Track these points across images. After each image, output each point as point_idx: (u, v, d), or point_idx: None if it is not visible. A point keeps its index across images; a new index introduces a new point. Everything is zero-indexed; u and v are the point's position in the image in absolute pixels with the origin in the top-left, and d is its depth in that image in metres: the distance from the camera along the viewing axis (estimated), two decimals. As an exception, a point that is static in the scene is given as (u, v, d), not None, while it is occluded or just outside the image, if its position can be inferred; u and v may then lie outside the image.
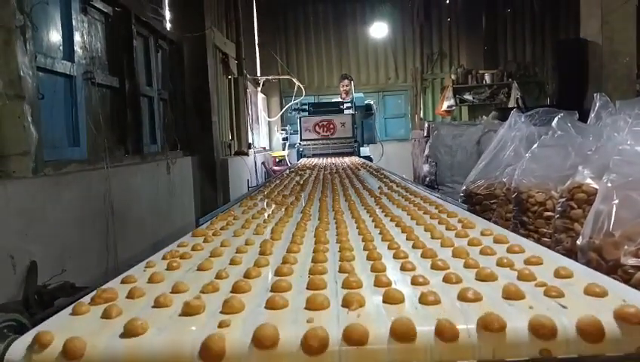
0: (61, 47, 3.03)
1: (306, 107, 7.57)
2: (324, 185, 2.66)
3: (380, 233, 1.20)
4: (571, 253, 1.30)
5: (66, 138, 3.03)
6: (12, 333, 0.67)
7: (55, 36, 2.97)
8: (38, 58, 2.64)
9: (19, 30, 2.36)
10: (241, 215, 1.68)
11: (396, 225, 1.32)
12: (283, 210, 1.72)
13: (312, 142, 7.64)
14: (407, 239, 1.14)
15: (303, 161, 6.32)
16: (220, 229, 1.42)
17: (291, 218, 1.53)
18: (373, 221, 1.37)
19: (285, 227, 1.37)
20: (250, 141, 8.04)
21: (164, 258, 1.14)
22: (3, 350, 0.62)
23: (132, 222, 3.45)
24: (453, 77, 10.00)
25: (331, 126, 7.58)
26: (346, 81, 8.12)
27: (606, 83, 4.56)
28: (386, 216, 1.46)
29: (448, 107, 9.87)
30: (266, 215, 1.65)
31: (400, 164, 8.55)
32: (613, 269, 1.06)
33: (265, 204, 2.01)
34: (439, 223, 1.29)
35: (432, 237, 1.13)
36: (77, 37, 3.17)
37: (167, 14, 5.14)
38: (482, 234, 1.13)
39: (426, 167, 3.82)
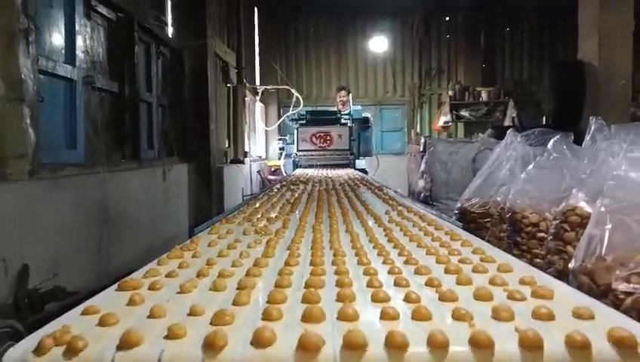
0: (63, 51, 3.04)
1: (304, 117, 7.60)
2: (318, 205, 2.31)
3: (409, 306, 0.80)
4: (563, 275, 1.31)
5: (64, 141, 3.03)
6: (7, 340, 0.67)
7: (58, 39, 2.99)
8: (40, 61, 2.65)
9: (22, 33, 2.37)
10: (204, 249, 1.30)
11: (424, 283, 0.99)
12: (263, 243, 1.34)
13: (309, 152, 7.65)
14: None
15: (298, 172, 6.31)
16: (165, 277, 1.04)
17: (271, 259, 1.16)
18: (390, 274, 1.00)
19: (260, 278, 1.01)
20: (246, 149, 8.05)
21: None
22: (-1, 356, 0.62)
23: (126, 227, 3.44)
24: (450, 93, 10.09)
25: (328, 137, 7.60)
26: (343, 92, 8.15)
27: (602, 105, 4.61)
28: (405, 263, 1.10)
29: (445, 123, 9.94)
30: (237, 252, 1.24)
31: (395, 177, 8.58)
32: (604, 294, 1.07)
33: (242, 231, 1.60)
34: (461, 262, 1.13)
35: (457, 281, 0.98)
36: (79, 41, 3.18)
37: (170, 21, 5.17)
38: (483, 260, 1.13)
39: (421, 183, 3.84)
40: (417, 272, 1.02)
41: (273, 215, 2.02)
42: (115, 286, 0.96)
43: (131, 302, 0.85)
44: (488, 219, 2.13)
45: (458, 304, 0.81)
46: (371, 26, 10.85)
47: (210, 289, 0.94)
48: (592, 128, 1.82)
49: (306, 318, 0.75)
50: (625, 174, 1.26)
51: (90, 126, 3.27)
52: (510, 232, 1.85)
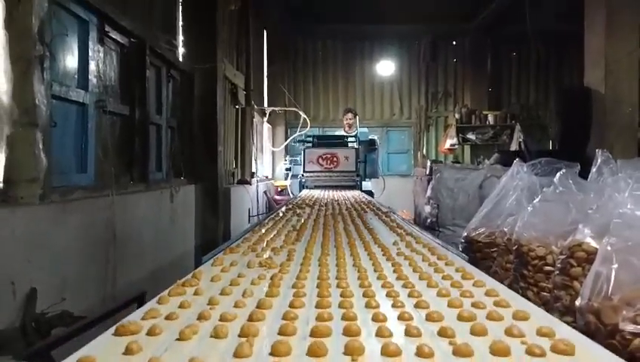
0: (76, 76, 3.11)
1: (311, 139, 7.65)
2: (324, 234, 2.29)
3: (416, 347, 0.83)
4: (569, 310, 1.31)
5: (74, 164, 3.07)
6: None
7: (71, 65, 3.05)
8: (54, 86, 2.70)
9: (37, 60, 2.43)
10: (207, 285, 1.29)
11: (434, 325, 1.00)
12: (268, 279, 1.33)
13: (315, 173, 7.69)
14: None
15: (304, 193, 6.33)
16: (165, 319, 1.02)
17: (275, 299, 1.14)
18: (400, 320, 0.99)
19: (263, 322, 0.99)
20: (253, 170, 8.10)
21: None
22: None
23: (133, 249, 3.45)
24: (457, 116, 10.14)
25: (335, 159, 7.64)
26: (350, 115, 8.22)
27: (608, 132, 4.62)
28: (416, 306, 1.08)
29: (451, 145, 9.97)
30: (241, 290, 1.22)
31: (401, 199, 8.59)
32: (611, 334, 1.07)
33: (246, 263, 1.59)
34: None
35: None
36: (92, 66, 3.25)
37: (180, 44, 5.26)
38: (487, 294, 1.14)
39: (427, 208, 3.85)
40: (429, 319, 0.98)
41: (278, 245, 2.01)
42: (113, 329, 0.92)
43: (128, 351, 0.82)
44: (495, 249, 2.13)
45: (473, 360, 0.79)
46: (379, 50, 10.98)
47: (211, 336, 0.90)
48: (599, 161, 1.84)
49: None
50: (631, 213, 1.27)
51: (100, 149, 3.32)
52: (517, 264, 1.85)
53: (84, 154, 3.13)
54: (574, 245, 1.49)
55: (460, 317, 0.98)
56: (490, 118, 10.03)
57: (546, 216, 1.81)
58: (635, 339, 1.04)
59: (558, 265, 1.53)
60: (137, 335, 0.91)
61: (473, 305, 1.07)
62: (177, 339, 0.89)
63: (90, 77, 3.22)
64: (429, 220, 3.66)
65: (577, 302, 1.24)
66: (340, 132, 8.35)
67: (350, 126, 8.15)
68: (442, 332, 0.89)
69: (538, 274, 1.71)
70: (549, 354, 0.79)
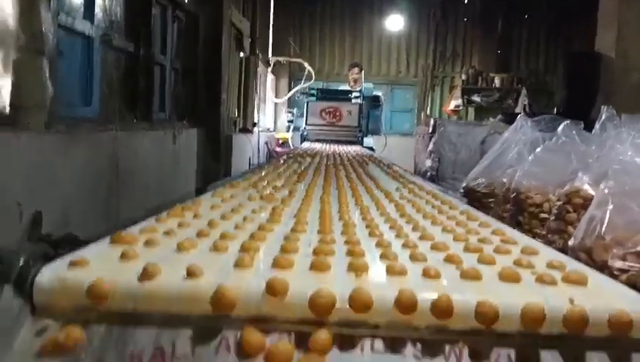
0: (82, 8, 3.06)
1: (314, 92, 7.59)
2: (326, 179, 2.23)
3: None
4: (562, 252, 1.36)
5: (79, 97, 3.07)
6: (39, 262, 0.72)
7: (77, -4, 3.00)
8: (60, 16, 2.67)
9: (44, -14, 2.39)
10: (206, 211, 1.24)
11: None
12: (269, 210, 1.27)
13: (317, 127, 7.66)
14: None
15: (305, 145, 6.33)
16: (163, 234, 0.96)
17: (277, 225, 1.10)
18: (405, 247, 0.95)
19: (264, 242, 0.94)
20: (255, 120, 8.07)
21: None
22: (33, 275, 0.67)
23: (136, 185, 3.50)
24: (463, 77, 10.02)
25: (338, 113, 7.60)
26: (356, 70, 8.10)
27: (616, 97, 4.59)
28: (421, 238, 1.04)
29: (456, 106, 9.91)
30: (241, 216, 1.18)
31: (402, 157, 8.59)
32: (600, 270, 1.11)
33: (246, 197, 1.53)
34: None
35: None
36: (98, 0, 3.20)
37: (187, -15, 5.14)
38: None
39: (428, 162, 3.88)
40: (435, 248, 0.94)
41: (279, 184, 1.94)
42: (109, 238, 0.88)
43: (124, 257, 0.77)
44: (492, 199, 2.17)
45: (481, 284, 0.75)
46: (388, 4, 10.72)
47: (210, 250, 0.85)
48: (603, 117, 1.85)
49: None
50: (630, 159, 1.30)
51: (105, 84, 3.31)
52: (513, 212, 1.89)
53: (89, 88, 3.12)
54: (572, 192, 1.52)
55: (467, 249, 0.95)
56: (497, 81, 9.92)
57: (546, 165, 1.83)
58: (623, 275, 1.09)
59: (555, 211, 1.57)
60: (134, 245, 0.86)
61: (480, 240, 1.03)
62: (176, 251, 0.84)
63: (96, 10, 3.18)
64: (429, 173, 3.69)
65: (570, 243, 1.28)
66: (345, 87, 8.27)
67: (356, 81, 8.06)
68: (449, 259, 0.86)
69: (534, 221, 1.75)
70: (560, 284, 0.75)
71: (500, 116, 5.09)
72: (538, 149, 1.93)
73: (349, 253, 0.88)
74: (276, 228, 1.08)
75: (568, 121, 1.93)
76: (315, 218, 1.24)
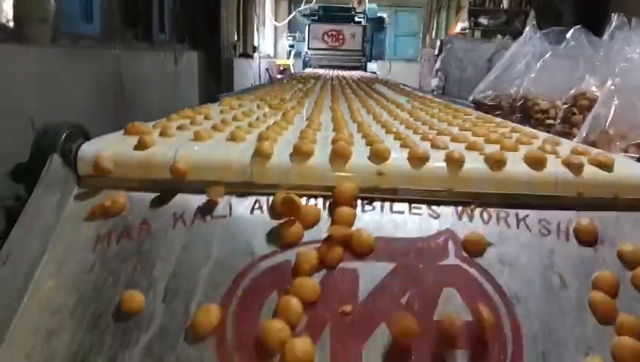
0: None
1: (316, 12, 7.37)
2: (333, 94, 2.12)
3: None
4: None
5: (80, 13, 3.01)
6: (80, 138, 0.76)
7: None
8: None
9: None
10: (216, 114, 1.18)
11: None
12: (279, 115, 1.21)
13: (320, 51, 7.50)
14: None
15: (308, 71, 6.23)
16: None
17: (291, 125, 1.05)
18: (424, 140, 0.88)
19: (281, 135, 0.89)
20: (255, 44, 7.90)
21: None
22: (75, 149, 0.72)
23: (140, 104, 3.51)
24: (470, -2, 9.65)
25: (340, 36, 7.42)
26: (360, -12, 7.83)
27: (629, 10, 4.43)
28: (439, 134, 0.96)
29: (462, 29, 9.61)
30: (253, 118, 1.13)
31: (406, 82, 8.48)
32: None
33: (255, 105, 1.46)
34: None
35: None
36: None
37: None
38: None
39: (434, 81, 3.85)
40: (455, 140, 0.88)
41: (287, 97, 1.86)
42: (122, 131, 0.85)
43: (140, 145, 0.73)
44: (499, 112, 2.19)
45: (507, 168, 0.72)
46: None
47: (227, 140, 0.82)
48: (613, 24, 1.83)
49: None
50: (638, 57, 1.31)
51: (104, 1, 3.23)
52: (520, 120, 1.92)
53: (89, 4, 3.06)
54: (578, 94, 1.55)
55: (488, 140, 0.88)
56: (505, 2, 9.56)
57: (554, 71, 1.84)
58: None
59: (561, 115, 1.61)
60: (149, 135, 0.80)
61: (501, 135, 0.95)
62: (192, 140, 0.80)
63: None
64: (435, 92, 3.68)
65: (575, 140, 1.33)
66: (348, 6, 8.00)
67: (360, 2, 7.81)
68: (471, 147, 0.81)
69: (540, 128, 1.79)
70: (586, 167, 0.72)
71: (507, 36, 4.97)
72: (546, 55, 1.93)
73: (369, 143, 0.83)
74: (290, 127, 1.02)
75: (578, 27, 1.91)
76: (327, 121, 1.20)
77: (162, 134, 0.83)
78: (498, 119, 1.34)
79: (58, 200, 0.67)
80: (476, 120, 1.27)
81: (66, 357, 0.54)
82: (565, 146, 0.89)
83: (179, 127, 0.91)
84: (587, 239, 0.66)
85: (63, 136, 0.72)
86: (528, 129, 1.13)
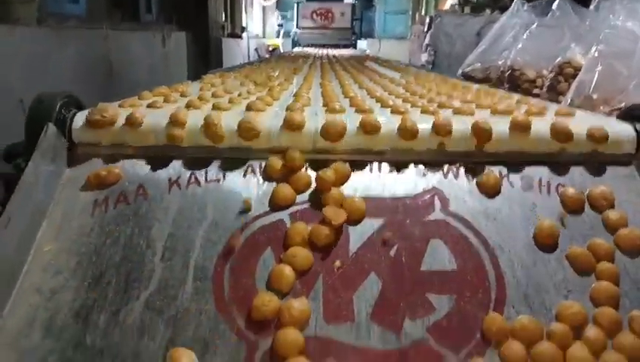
0: None
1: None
2: (323, 71, 2.01)
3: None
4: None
5: (65, -7, 2.98)
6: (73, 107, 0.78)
7: None
8: None
9: None
10: (195, 91, 1.09)
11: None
12: (264, 92, 1.08)
13: (309, 30, 7.45)
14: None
15: (297, 50, 6.20)
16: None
17: (276, 102, 0.94)
18: (424, 113, 0.82)
19: (269, 107, 0.83)
20: (244, 24, 7.82)
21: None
22: (70, 118, 0.74)
23: (129, 85, 3.48)
24: (459, -27, 9.58)
25: (330, 15, 7.37)
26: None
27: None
28: (440, 106, 0.89)
29: (451, 6, 9.57)
30: (234, 95, 1.00)
31: (396, 59, 8.45)
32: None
33: (238, 83, 1.32)
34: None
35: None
36: None
37: None
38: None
39: (424, 57, 3.86)
40: (458, 112, 0.83)
41: (274, 74, 1.71)
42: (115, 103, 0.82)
43: (134, 113, 0.72)
44: (488, 84, 2.21)
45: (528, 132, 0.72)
46: None
47: (213, 108, 0.80)
48: (599, -4, 1.84)
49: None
50: (622, 23, 1.33)
51: (89, -20, 3.19)
52: (507, 90, 1.94)
53: (73, -16, 3.02)
54: (563, 62, 1.57)
55: (494, 111, 0.83)
56: (494, -22, 9.51)
57: (540, 41, 1.86)
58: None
59: (547, 84, 1.63)
60: (139, 107, 0.80)
61: (508, 105, 0.89)
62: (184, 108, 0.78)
63: None
64: (424, 68, 3.68)
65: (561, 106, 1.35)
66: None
67: (348, -21, 7.74)
68: (458, 111, 0.81)
69: (526, 97, 1.81)
70: (566, 125, 0.72)
71: (497, 11, 4.96)
72: (533, 26, 1.94)
73: (359, 111, 0.82)
74: (275, 103, 0.93)
75: (566, -3, 1.92)
76: (317, 96, 1.11)
77: (151, 106, 0.82)
78: (501, 91, 1.30)
79: (55, 168, 0.69)
80: (478, 93, 1.17)
81: (70, 313, 0.56)
82: (551, 108, 0.90)
83: (149, 105, 0.83)
84: (567, 193, 0.68)
85: (58, 105, 0.73)
86: (537, 100, 1.08)
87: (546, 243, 0.63)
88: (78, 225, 0.64)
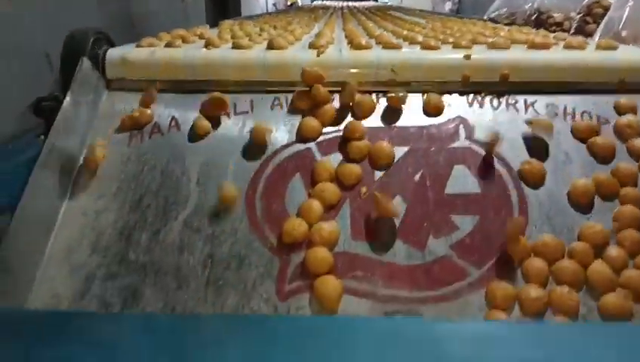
0: None
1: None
2: (345, 19, 1.99)
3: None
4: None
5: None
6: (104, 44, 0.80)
7: None
8: None
9: None
10: (214, 33, 1.05)
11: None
12: (286, 34, 1.02)
13: (328, -19, 7.23)
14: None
15: (317, 2, 6.06)
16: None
17: (297, 42, 0.95)
18: (456, 47, 0.82)
19: (291, 45, 0.85)
20: (262, -24, 7.65)
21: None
22: (103, 53, 0.76)
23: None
24: None
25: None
26: None
27: None
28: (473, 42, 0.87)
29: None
30: (254, 35, 0.99)
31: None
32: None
33: (257, 28, 1.26)
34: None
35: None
36: None
37: None
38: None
39: (448, 4, 3.76)
40: (492, 46, 0.83)
41: (294, 22, 1.65)
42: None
43: (165, 49, 0.76)
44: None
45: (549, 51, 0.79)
46: None
47: (233, 47, 0.80)
48: None
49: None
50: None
51: None
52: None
53: None
54: (592, 2, 1.52)
55: (532, 45, 0.83)
56: None
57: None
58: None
59: (575, 25, 1.59)
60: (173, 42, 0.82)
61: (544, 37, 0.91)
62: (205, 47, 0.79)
63: None
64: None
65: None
66: None
67: None
68: (498, 44, 0.83)
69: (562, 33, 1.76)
70: (591, 53, 0.77)
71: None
72: (563, -35, 1.87)
73: (386, 48, 0.81)
74: (297, 43, 0.93)
75: None
76: (341, 38, 1.08)
77: (169, 45, 0.83)
78: (529, 29, 1.26)
79: (91, 100, 0.72)
80: (507, 34, 1.08)
81: (114, 232, 0.60)
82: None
83: (167, 45, 0.84)
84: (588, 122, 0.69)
85: (91, 41, 0.75)
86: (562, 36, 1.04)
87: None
88: (116, 155, 0.67)
